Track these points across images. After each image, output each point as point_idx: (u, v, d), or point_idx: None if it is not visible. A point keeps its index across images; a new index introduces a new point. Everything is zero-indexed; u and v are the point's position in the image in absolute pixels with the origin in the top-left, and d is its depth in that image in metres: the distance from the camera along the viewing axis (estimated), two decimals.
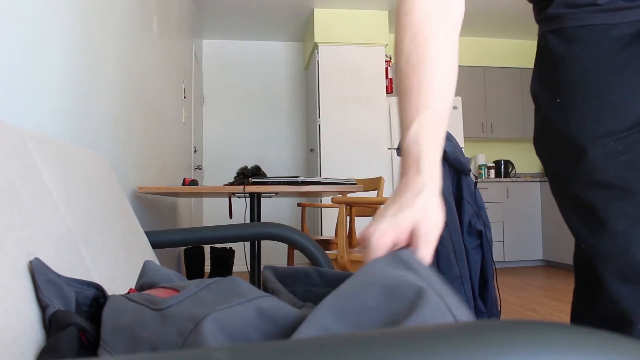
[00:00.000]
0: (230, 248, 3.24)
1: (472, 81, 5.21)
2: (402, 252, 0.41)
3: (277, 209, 5.04)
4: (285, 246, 5.08)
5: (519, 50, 5.41)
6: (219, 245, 3.66)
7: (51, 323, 0.47)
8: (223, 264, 3.21)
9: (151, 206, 2.30)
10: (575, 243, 0.83)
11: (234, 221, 5.05)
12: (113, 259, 0.85)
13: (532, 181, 4.88)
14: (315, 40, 4.41)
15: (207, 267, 4.56)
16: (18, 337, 0.45)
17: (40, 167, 0.74)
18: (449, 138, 2.04)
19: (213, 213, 4.88)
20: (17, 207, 0.58)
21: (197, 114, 4.37)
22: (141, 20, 2.12)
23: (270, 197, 2.61)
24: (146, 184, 2.16)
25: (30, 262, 0.53)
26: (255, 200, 2.24)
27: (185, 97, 3.57)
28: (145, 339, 0.39)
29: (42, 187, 0.69)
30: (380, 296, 0.31)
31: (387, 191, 4.34)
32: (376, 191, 3.09)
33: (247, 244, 4.20)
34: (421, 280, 0.33)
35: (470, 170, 2.11)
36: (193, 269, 3.06)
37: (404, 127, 0.58)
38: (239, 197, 2.35)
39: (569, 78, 0.81)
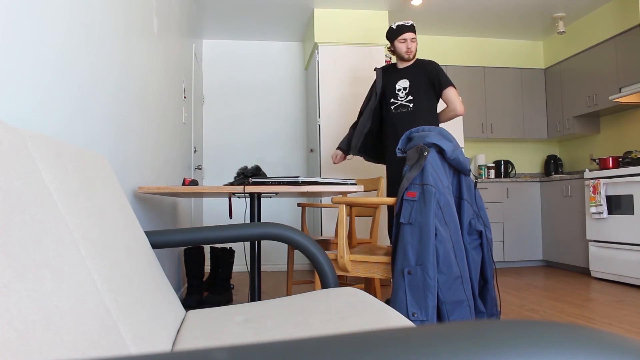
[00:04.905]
0: (230, 248, 3.24)
1: (472, 81, 5.21)
2: None
3: (277, 209, 5.04)
4: (285, 246, 5.08)
5: (519, 50, 5.41)
6: (219, 245, 3.66)
7: None
8: (223, 264, 3.21)
9: (151, 206, 2.30)
10: None
11: (234, 221, 5.05)
12: (113, 259, 0.85)
13: (532, 181, 4.88)
14: (315, 40, 4.41)
15: (207, 267, 4.56)
16: (20, 335, 0.45)
17: (40, 167, 0.74)
18: (449, 138, 2.05)
19: (213, 213, 4.89)
20: (17, 207, 0.58)
21: (197, 114, 4.37)
22: (141, 20, 2.12)
23: (270, 197, 2.61)
24: (146, 184, 2.16)
25: None
26: (255, 200, 2.24)
27: (185, 97, 3.57)
28: None
29: (42, 187, 0.69)
30: None
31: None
32: (376, 191, 3.09)
33: (247, 244, 4.20)
34: None
35: (470, 170, 2.11)
36: (193, 269, 3.07)
37: None
38: (239, 197, 2.35)
39: None
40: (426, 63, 3.06)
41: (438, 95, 3.01)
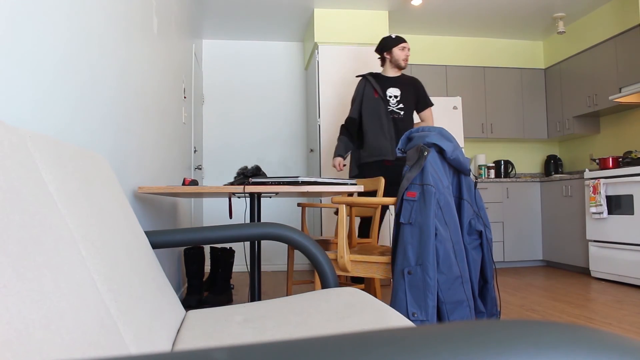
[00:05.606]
0: (230, 248, 3.24)
1: (472, 81, 5.21)
2: None
3: (277, 209, 5.04)
4: (285, 246, 5.08)
5: (519, 50, 5.41)
6: (219, 245, 3.66)
7: None
8: (223, 264, 3.21)
9: (151, 206, 2.30)
10: None
11: (234, 221, 5.05)
12: (113, 259, 0.85)
13: (532, 181, 4.88)
14: (315, 40, 4.41)
15: (207, 267, 4.56)
16: (20, 335, 0.45)
17: (40, 167, 0.74)
18: (449, 138, 2.04)
19: (213, 213, 4.89)
20: (17, 207, 0.58)
21: (197, 114, 4.37)
22: (141, 20, 2.12)
23: (270, 197, 2.61)
24: (146, 184, 2.16)
25: None
26: (255, 200, 2.24)
27: (185, 97, 3.57)
28: None
29: (42, 187, 0.69)
30: None
31: None
32: (376, 191, 3.09)
33: (247, 244, 4.20)
34: None
35: (470, 170, 2.11)
36: (193, 269, 3.07)
37: None
38: (239, 197, 2.35)
39: None
40: (413, 79, 3.40)
41: (417, 110, 3.37)
